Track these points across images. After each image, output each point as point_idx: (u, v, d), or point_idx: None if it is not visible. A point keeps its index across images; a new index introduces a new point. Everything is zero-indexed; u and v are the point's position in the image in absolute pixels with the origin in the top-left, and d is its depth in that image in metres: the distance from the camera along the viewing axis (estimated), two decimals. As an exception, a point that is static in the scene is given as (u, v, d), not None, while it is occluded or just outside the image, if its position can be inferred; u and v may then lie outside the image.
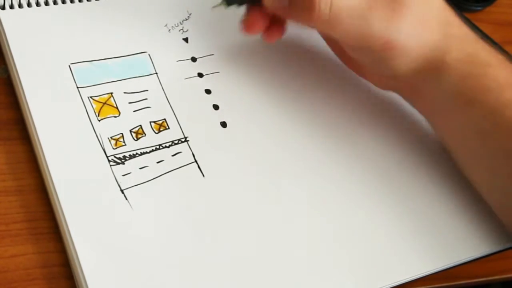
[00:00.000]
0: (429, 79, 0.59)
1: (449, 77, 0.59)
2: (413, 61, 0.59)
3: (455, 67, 0.58)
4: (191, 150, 0.61)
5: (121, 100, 0.61)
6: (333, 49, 0.66)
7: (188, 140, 0.61)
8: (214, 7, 0.61)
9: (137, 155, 0.59)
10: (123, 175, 0.58)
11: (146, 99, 0.62)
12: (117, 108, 0.61)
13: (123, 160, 0.59)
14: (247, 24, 0.61)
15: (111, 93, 0.61)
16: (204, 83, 0.64)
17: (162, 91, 0.62)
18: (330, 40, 0.66)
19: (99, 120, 0.60)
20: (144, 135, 0.60)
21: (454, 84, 0.59)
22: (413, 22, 0.57)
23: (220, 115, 0.63)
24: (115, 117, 0.60)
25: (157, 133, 0.61)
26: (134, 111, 0.61)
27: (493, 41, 0.65)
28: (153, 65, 0.63)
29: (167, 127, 0.61)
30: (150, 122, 0.61)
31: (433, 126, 0.63)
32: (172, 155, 0.60)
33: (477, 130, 0.59)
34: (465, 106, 0.59)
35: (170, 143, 0.60)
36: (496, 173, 0.60)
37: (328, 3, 0.56)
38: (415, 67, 0.59)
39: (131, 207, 0.57)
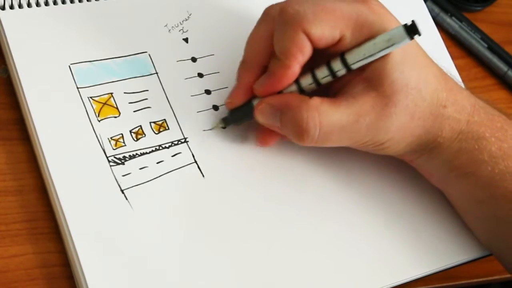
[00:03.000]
0: (424, 157, 0.60)
1: (442, 154, 0.59)
2: (405, 146, 0.59)
3: (447, 145, 0.59)
4: (191, 151, 0.61)
5: (121, 100, 0.61)
6: None
7: (188, 141, 0.61)
8: (213, 127, 0.62)
9: (137, 155, 0.59)
10: (123, 176, 0.58)
11: (146, 99, 0.62)
12: (117, 108, 0.61)
13: (123, 161, 0.59)
14: (259, 140, 0.61)
15: (111, 93, 0.61)
16: (204, 83, 0.64)
17: (162, 91, 0.62)
18: None
19: (99, 121, 0.60)
20: (144, 135, 0.60)
21: (447, 160, 0.60)
22: (402, 117, 0.57)
23: (220, 116, 0.62)
24: (115, 117, 0.60)
25: (157, 133, 0.61)
26: (134, 111, 0.61)
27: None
28: (153, 65, 0.63)
29: (167, 128, 0.61)
30: (150, 122, 0.61)
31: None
32: (172, 156, 0.60)
33: (474, 199, 0.60)
34: (460, 178, 0.60)
35: (170, 144, 0.60)
36: (496, 236, 0.61)
37: (317, 127, 0.56)
38: (409, 149, 0.60)
39: (131, 207, 0.57)
